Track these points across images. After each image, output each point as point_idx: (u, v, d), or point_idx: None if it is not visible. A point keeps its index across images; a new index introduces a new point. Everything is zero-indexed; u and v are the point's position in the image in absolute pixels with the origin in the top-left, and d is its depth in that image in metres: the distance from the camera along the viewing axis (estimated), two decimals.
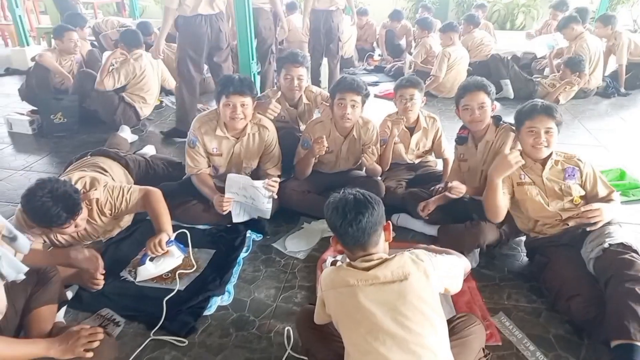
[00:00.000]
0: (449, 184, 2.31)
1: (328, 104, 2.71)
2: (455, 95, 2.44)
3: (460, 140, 2.50)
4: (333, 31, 4.68)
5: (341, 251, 1.51)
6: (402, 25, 6.85)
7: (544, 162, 2.13)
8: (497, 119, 2.40)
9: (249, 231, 2.50)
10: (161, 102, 4.71)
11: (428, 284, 1.36)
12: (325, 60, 5.08)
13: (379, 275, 1.34)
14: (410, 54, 6.36)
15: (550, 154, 2.12)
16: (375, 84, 5.70)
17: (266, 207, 2.50)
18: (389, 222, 1.50)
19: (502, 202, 2.15)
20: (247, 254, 2.35)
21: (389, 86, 5.46)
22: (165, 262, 2.12)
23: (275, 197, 2.53)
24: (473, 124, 2.37)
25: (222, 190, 2.50)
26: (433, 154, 2.98)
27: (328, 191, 2.73)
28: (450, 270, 1.47)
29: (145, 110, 4.18)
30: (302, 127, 3.11)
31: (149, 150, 3.40)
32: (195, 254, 2.27)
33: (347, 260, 1.48)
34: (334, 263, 1.48)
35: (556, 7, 6.28)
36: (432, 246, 1.76)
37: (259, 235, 2.51)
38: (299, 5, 7.03)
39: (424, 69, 5.40)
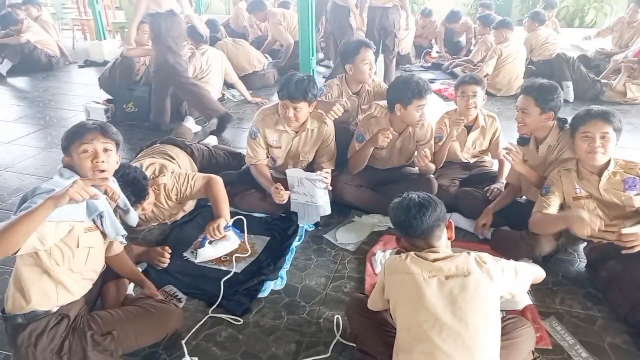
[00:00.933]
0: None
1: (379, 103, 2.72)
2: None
3: (522, 141, 2.45)
4: (389, 28, 4.66)
5: (405, 248, 1.57)
6: (462, 22, 6.70)
7: (599, 172, 2.04)
8: (562, 122, 2.31)
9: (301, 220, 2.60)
10: (223, 95, 4.92)
11: (490, 285, 1.38)
12: (380, 57, 5.09)
13: (443, 268, 1.39)
14: (470, 51, 6.23)
15: (608, 165, 2.02)
16: (432, 81, 5.62)
17: (324, 202, 2.57)
18: (451, 221, 1.55)
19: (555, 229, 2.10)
20: (299, 242, 2.45)
21: (445, 84, 5.39)
22: (222, 245, 2.27)
23: (330, 188, 2.58)
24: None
25: (278, 181, 2.62)
26: (489, 154, 2.93)
27: (380, 186, 2.79)
28: (517, 275, 1.48)
29: None
30: (360, 115, 3.14)
31: (212, 140, 3.60)
32: (251, 240, 2.41)
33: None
34: (399, 252, 1.55)
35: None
36: None
37: (311, 225, 2.60)
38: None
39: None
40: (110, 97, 4.55)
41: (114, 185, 1.71)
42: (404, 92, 2.47)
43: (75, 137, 1.61)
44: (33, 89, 5.52)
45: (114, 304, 1.82)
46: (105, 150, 1.63)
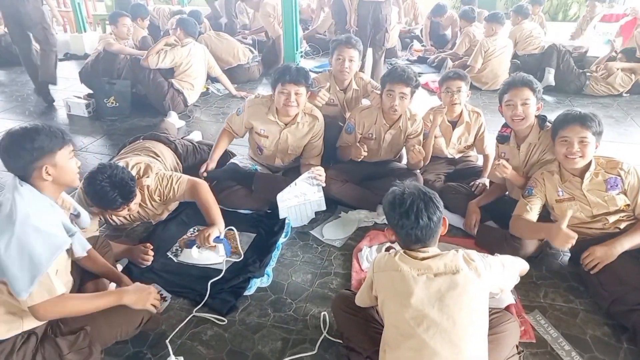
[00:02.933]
0: (497, 162, 2.30)
1: (379, 92, 2.74)
2: (499, 90, 2.39)
3: (501, 139, 2.45)
4: (381, 22, 4.61)
5: (394, 240, 1.56)
6: (447, 16, 6.72)
7: (581, 174, 2.06)
8: (542, 120, 2.31)
9: (288, 217, 2.58)
10: (207, 89, 4.86)
11: (479, 282, 1.39)
12: (369, 51, 5.06)
13: (432, 265, 1.39)
14: (454, 44, 6.25)
15: (589, 166, 2.04)
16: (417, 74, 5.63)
17: (319, 197, 2.58)
18: (445, 217, 1.53)
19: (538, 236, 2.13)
20: (285, 239, 2.44)
21: (431, 77, 5.40)
22: (207, 255, 2.24)
23: (324, 184, 2.57)
24: (515, 122, 2.27)
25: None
26: (475, 149, 2.95)
27: (366, 181, 2.79)
28: (504, 270, 1.50)
29: (192, 97, 4.34)
30: (347, 113, 3.16)
31: (196, 135, 3.55)
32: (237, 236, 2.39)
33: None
34: (388, 249, 1.54)
35: None
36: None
37: None
38: None
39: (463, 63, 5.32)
40: (91, 91, 4.45)
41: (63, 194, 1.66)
42: (383, 78, 2.57)
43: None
44: (11, 82, 5.38)
45: None
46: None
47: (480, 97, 4.87)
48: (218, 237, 2.19)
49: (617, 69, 4.65)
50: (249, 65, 5.38)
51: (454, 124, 2.80)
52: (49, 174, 1.50)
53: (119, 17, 4.56)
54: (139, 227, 2.51)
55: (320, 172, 2.54)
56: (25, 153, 1.46)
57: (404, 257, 1.44)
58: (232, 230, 2.36)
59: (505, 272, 1.51)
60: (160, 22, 6.43)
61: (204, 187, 2.33)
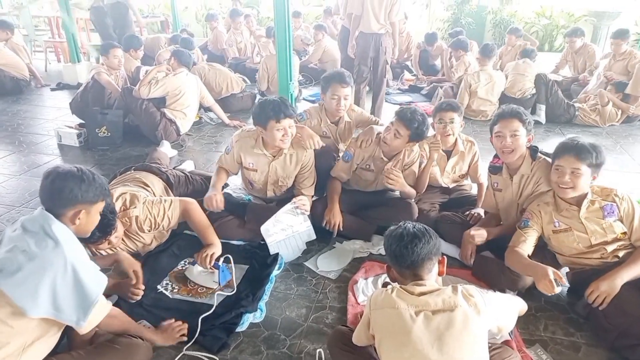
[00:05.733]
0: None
1: (378, 124, 2.76)
2: (490, 122, 2.39)
3: (493, 170, 2.45)
4: (381, 55, 4.61)
5: (394, 279, 1.55)
6: (437, 45, 6.85)
7: (578, 202, 2.04)
8: (533, 151, 2.30)
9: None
10: (200, 118, 4.86)
11: (478, 319, 1.35)
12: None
13: (430, 302, 1.36)
14: (444, 75, 6.35)
15: (586, 195, 2.03)
16: (409, 103, 5.69)
17: (306, 227, 2.54)
18: (445, 257, 1.53)
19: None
20: (279, 271, 2.38)
21: (423, 105, 5.45)
22: (205, 278, 2.21)
23: (308, 213, 2.56)
24: (505, 154, 2.26)
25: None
26: (469, 177, 2.94)
27: (361, 211, 2.76)
28: (503, 309, 1.47)
29: (185, 126, 4.33)
30: (342, 145, 3.16)
31: (188, 165, 3.52)
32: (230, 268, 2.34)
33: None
34: (385, 285, 1.52)
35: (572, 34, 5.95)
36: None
37: None
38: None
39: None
40: (82, 121, 4.43)
41: None
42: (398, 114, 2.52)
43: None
44: (1, 113, 5.34)
45: (81, 343, 1.71)
46: None
47: (472, 125, 4.92)
48: (217, 262, 2.15)
49: (608, 101, 4.71)
50: (242, 95, 5.42)
51: (449, 154, 2.80)
52: (79, 219, 1.56)
53: (110, 48, 4.58)
54: None
55: (303, 201, 2.52)
56: (72, 194, 1.52)
57: (400, 293, 1.41)
58: (229, 258, 2.28)
59: (504, 311, 1.48)
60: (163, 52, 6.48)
61: (197, 207, 2.31)
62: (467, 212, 2.68)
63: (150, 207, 2.25)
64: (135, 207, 2.23)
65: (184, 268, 2.35)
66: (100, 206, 1.64)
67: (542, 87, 4.94)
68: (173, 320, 1.92)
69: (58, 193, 1.51)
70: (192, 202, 2.31)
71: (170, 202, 2.30)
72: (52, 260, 1.40)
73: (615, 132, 4.66)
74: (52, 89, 6.39)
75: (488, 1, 9.60)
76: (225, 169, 2.74)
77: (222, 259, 2.22)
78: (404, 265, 1.48)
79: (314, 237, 2.57)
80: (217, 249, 2.22)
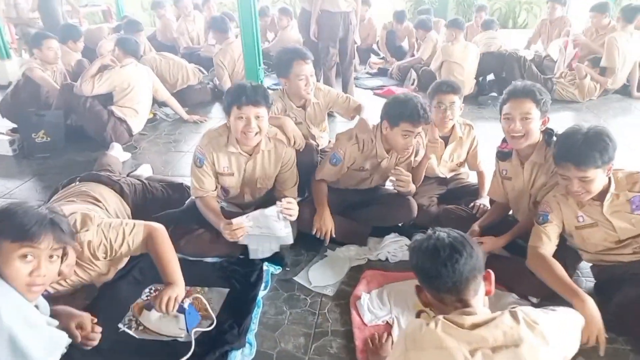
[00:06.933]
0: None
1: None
2: (500, 99, 2.06)
3: (502, 156, 2.14)
4: (350, 35, 4.30)
5: (427, 303, 1.24)
6: (404, 26, 6.59)
7: (600, 197, 1.77)
8: (548, 135, 1.97)
9: (266, 263, 2.15)
10: (154, 114, 4.36)
11: (547, 351, 1.05)
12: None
13: (488, 337, 1.04)
14: (413, 56, 6.10)
15: (608, 186, 1.76)
16: (380, 87, 5.40)
17: (285, 233, 2.15)
18: (490, 271, 1.20)
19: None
20: (266, 291, 2.02)
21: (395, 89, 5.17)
22: (167, 324, 1.78)
23: (293, 219, 2.15)
24: (513, 139, 1.95)
25: (231, 217, 2.15)
26: (466, 165, 2.66)
27: (350, 210, 2.42)
28: (567, 332, 1.16)
29: (137, 124, 3.84)
30: (314, 129, 2.81)
31: (145, 170, 3.04)
32: (205, 294, 1.94)
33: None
34: (418, 315, 1.19)
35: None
36: None
37: (277, 267, 2.17)
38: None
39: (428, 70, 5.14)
40: (15, 125, 3.84)
41: None
42: (396, 115, 2.12)
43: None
44: None
45: None
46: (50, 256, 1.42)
47: None
48: (182, 307, 1.73)
49: (586, 74, 4.58)
50: (200, 86, 4.93)
51: (446, 140, 2.49)
52: None
53: (43, 39, 3.96)
54: (79, 293, 1.98)
55: (290, 204, 2.09)
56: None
57: (447, 327, 1.08)
58: (198, 297, 1.88)
59: (568, 334, 1.18)
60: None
61: (163, 235, 1.87)
62: (472, 204, 2.40)
63: (106, 231, 1.80)
64: (87, 230, 1.77)
65: (145, 301, 1.91)
66: (12, 248, 1.35)
67: (514, 64, 4.75)
68: None
69: None
70: (159, 229, 1.87)
71: (132, 225, 1.85)
72: None
73: (595, 107, 4.55)
74: None
75: None
76: (207, 194, 2.24)
77: (187, 301, 1.79)
78: (443, 289, 1.16)
79: (291, 241, 2.18)
80: (180, 289, 1.76)
